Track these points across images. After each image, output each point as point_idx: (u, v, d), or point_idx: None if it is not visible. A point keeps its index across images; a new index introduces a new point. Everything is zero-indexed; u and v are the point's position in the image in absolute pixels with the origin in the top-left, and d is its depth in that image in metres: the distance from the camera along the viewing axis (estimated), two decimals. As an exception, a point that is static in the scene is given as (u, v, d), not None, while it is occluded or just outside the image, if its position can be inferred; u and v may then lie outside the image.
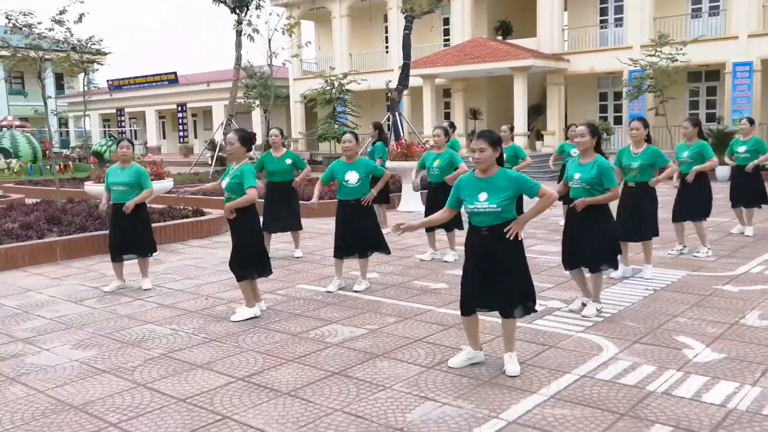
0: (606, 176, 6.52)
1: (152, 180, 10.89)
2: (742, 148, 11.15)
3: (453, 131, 12.10)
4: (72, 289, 8.66)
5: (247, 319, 6.97)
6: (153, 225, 11.63)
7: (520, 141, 27.67)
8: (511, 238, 5.08)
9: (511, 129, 11.45)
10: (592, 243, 6.69)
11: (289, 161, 10.20)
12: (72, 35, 17.79)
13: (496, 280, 5.20)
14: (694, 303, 7.18)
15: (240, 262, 7.04)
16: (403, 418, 4.54)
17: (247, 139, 7.00)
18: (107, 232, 11.16)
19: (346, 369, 5.49)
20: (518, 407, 4.66)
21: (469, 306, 5.31)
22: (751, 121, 11.31)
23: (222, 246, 11.21)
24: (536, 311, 5.57)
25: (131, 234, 8.44)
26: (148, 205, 11.94)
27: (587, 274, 6.92)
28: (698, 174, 9.51)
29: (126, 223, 8.38)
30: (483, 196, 5.11)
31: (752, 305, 7.03)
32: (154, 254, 8.90)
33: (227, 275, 8.91)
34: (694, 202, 9.67)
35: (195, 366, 5.68)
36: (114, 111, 50.09)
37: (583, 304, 6.94)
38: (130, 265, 8.89)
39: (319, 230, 12.23)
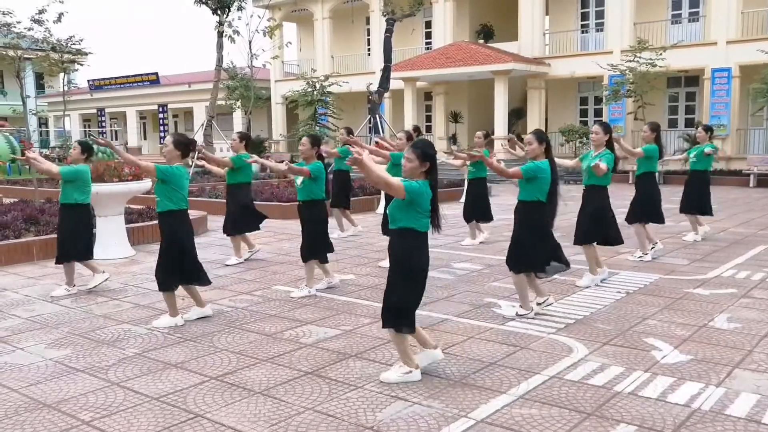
0: (525, 169, 6.69)
1: (130, 180, 10.92)
2: (693, 154, 11.45)
3: (417, 135, 12.15)
4: (48, 289, 8.64)
5: (168, 327, 6.89)
6: (131, 225, 11.68)
7: (500, 144, 27.84)
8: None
9: (486, 136, 11.49)
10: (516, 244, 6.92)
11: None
12: (51, 35, 17.73)
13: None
14: (664, 306, 7.30)
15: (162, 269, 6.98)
16: (374, 417, 4.60)
17: (181, 143, 7.00)
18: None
19: (318, 369, 5.54)
20: (487, 407, 4.73)
21: None
22: (706, 129, 11.56)
23: (200, 247, 11.18)
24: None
25: (62, 236, 8.38)
26: (127, 206, 11.98)
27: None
28: (641, 177, 9.87)
29: (62, 225, 8.42)
30: None
31: (721, 308, 7.15)
32: (70, 262, 8.46)
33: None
34: (643, 205, 9.91)
35: (169, 365, 5.71)
36: (94, 111, 49.89)
37: (538, 304, 7.06)
38: (121, 263, 8.87)
39: (297, 231, 12.25)
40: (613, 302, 7.49)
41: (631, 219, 9.91)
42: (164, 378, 5.41)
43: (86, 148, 8.45)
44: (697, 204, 11.36)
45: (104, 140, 7.75)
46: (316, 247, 8.15)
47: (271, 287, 8.57)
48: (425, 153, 5.10)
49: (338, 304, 7.67)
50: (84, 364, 5.79)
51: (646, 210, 9.87)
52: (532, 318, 6.87)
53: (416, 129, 12.69)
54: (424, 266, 5.20)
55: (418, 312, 7.17)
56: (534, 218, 6.78)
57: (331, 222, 9.12)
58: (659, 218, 9.98)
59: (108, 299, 8.09)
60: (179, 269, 6.98)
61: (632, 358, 5.65)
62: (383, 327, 5.27)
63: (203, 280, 7.22)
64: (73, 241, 8.32)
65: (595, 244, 8.44)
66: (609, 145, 8.26)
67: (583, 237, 8.39)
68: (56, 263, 8.43)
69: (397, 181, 5.05)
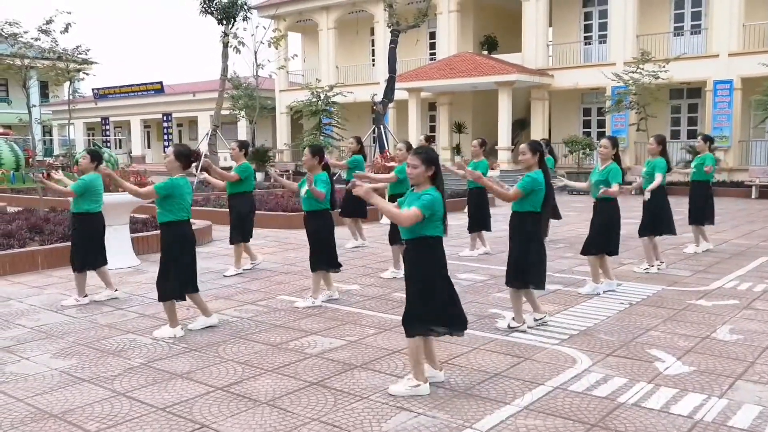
0: (523, 186, 6.62)
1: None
2: (693, 165, 11.51)
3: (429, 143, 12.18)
4: (53, 299, 8.68)
5: (169, 337, 6.91)
6: (135, 235, 11.72)
7: (504, 155, 27.93)
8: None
9: (482, 144, 11.39)
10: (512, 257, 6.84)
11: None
12: (58, 44, 17.83)
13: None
14: (667, 317, 7.32)
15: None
16: (379, 427, 4.62)
17: (182, 154, 6.98)
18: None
19: (324, 379, 5.57)
20: (492, 418, 4.75)
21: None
22: (705, 139, 11.58)
23: (204, 256, 11.26)
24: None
25: (74, 245, 8.39)
26: (132, 215, 12.03)
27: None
28: (655, 190, 9.77)
29: (73, 234, 8.49)
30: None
31: (724, 320, 7.18)
32: (91, 270, 8.49)
33: (207, 285, 9.02)
34: (654, 217, 9.85)
35: (175, 375, 5.74)
36: (99, 120, 50.02)
37: (535, 319, 7.05)
38: (126, 273, 8.86)
39: (302, 241, 12.29)
40: (617, 313, 7.51)
41: (643, 232, 9.89)
42: (170, 388, 5.44)
43: (95, 157, 8.48)
44: (700, 214, 11.38)
45: (105, 170, 7.97)
46: (322, 257, 8.13)
47: (276, 297, 8.60)
48: (429, 158, 5.14)
49: (343, 314, 7.69)
50: (89, 374, 5.82)
51: (658, 223, 9.89)
52: (524, 332, 6.84)
53: (428, 138, 12.74)
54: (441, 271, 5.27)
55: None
56: (530, 229, 6.72)
57: (342, 233, 9.09)
58: (672, 230, 10.03)
59: (113, 309, 8.12)
60: (179, 279, 6.97)
61: (635, 370, 5.68)
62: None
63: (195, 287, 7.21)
64: (84, 250, 8.34)
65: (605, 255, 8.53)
66: (615, 158, 8.33)
67: (594, 247, 8.45)
68: (75, 271, 8.39)
69: (405, 212, 5.05)
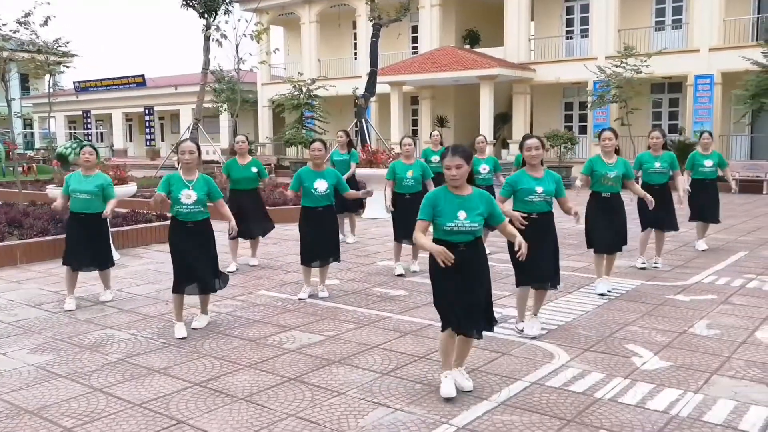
0: (560, 187, 6.56)
1: (115, 184, 10.88)
2: (708, 162, 11.16)
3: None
4: (31, 293, 8.62)
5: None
6: (116, 229, 11.67)
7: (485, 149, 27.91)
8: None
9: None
10: (552, 258, 6.63)
11: (254, 169, 10.04)
12: (38, 37, 17.65)
13: (472, 295, 5.08)
14: (645, 312, 7.36)
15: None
16: (356, 423, 4.62)
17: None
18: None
19: (302, 375, 5.56)
20: (468, 413, 4.76)
21: (451, 323, 5.08)
22: (710, 135, 11.57)
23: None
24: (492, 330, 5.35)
25: (94, 245, 8.05)
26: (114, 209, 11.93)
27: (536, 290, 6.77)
28: (665, 186, 9.68)
29: (89, 233, 8.00)
30: (462, 214, 4.96)
31: (701, 315, 7.22)
32: (112, 268, 8.56)
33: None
34: (662, 213, 9.62)
35: (152, 371, 5.72)
36: (80, 113, 49.66)
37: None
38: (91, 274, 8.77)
39: (282, 236, 12.26)
40: (595, 308, 7.55)
41: (674, 226, 9.84)
42: (147, 384, 5.42)
43: (97, 151, 8.49)
44: (714, 212, 11.31)
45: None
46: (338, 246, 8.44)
47: (256, 292, 8.57)
48: (469, 155, 5.04)
49: (322, 309, 7.69)
50: (66, 369, 5.79)
51: (674, 219, 9.83)
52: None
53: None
54: None
55: (402, 318, 7.24)
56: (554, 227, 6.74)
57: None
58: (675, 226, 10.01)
59: (92, 304, 8.07)
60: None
61: (613, 365, 5.71)
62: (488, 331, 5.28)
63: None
64: (108, 247, 8.32)
65: None
66: (617, 150, 8.27)
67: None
68: (102, 269, 8.28)
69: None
